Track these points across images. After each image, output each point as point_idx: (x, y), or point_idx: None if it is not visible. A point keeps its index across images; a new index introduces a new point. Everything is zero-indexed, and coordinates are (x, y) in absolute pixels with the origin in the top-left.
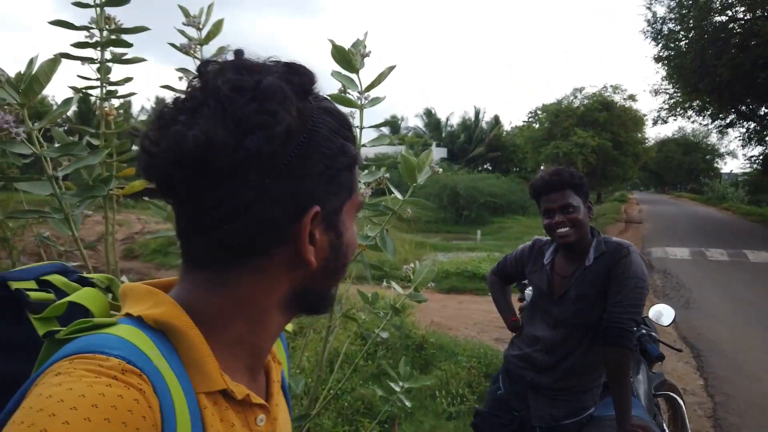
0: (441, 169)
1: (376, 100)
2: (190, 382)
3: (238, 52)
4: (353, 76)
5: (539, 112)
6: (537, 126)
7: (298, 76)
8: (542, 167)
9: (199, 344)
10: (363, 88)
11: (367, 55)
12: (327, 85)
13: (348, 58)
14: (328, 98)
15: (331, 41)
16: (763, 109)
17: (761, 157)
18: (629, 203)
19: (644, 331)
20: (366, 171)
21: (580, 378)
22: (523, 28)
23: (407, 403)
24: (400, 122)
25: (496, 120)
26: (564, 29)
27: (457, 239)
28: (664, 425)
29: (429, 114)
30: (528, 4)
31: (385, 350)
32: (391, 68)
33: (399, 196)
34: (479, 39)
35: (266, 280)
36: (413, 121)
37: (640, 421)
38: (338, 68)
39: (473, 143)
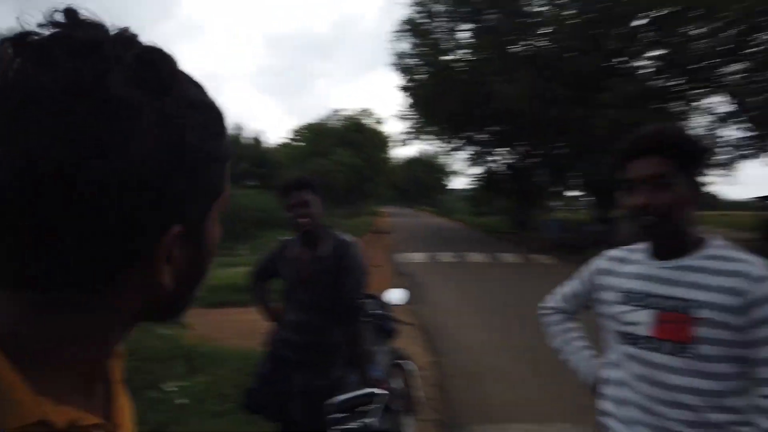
0: None
1: None
2: None
3: (71, 13)
4: None
5: (304, 131)
6: (304, 144)
7: (153, 71)
8: None
9: (2, 372)
10: None
11: None
12: None
13: None
14: (194, 82)
15: None
16: (481, 137)
17: (483, 176)
18: (381, 217)
19: (381, 312)
20: None
21: (328, 351)
22: (284, 45)
23: (186, 401)
24: None
25: (258, 137)
26: (327, 48)
27: (221, 255)
28: (401, 384)
29: None
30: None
31: (155, 363)
32: None
33: None
34: (243, 51)
35: (109, 303)
36: None
37: (379, 377)
38: None
39: (236, 160)
